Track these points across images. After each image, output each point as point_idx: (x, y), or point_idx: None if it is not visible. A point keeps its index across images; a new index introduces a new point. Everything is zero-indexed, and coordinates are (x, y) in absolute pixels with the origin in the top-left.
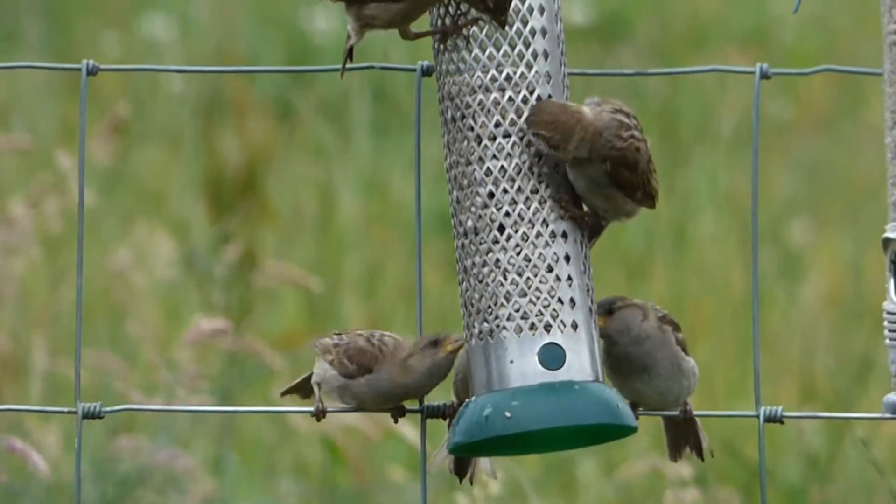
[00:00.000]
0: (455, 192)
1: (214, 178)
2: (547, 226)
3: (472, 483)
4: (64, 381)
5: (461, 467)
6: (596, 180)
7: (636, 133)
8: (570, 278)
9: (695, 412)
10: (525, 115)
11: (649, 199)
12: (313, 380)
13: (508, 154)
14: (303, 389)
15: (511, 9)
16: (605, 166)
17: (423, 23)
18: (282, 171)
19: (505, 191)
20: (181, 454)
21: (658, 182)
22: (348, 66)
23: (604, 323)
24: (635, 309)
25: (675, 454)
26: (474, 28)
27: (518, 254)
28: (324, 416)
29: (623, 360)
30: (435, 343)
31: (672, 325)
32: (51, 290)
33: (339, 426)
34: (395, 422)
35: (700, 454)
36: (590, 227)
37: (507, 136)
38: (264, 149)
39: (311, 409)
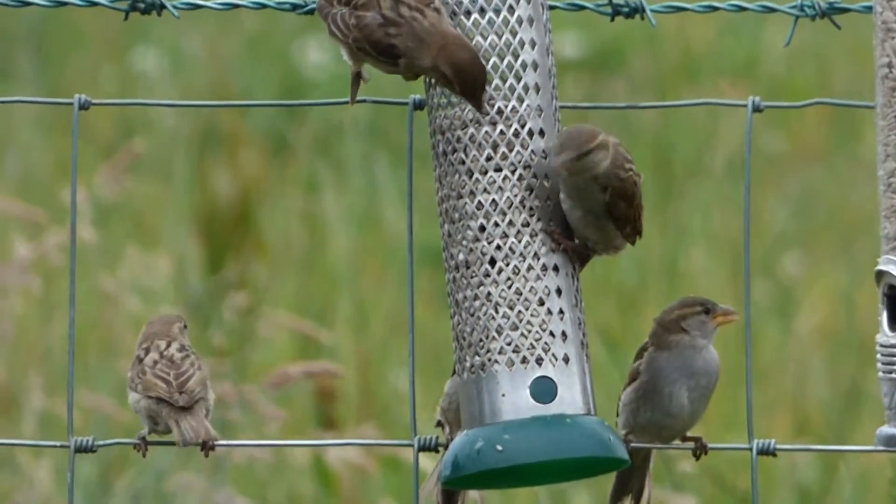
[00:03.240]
0: (446, 226)
1: (208, 213)
2: (538, 259)
3: None
4: (57, 420)
5: (449, 498)
6: (593, 210)
7: (633, 167)
8: (561, 311)
9: (684, 446)
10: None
11: (635, 234)
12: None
13: (500, 187)
14: None
15: (488, 92)
16: (604, 196)
17: None
18: (275, 205)
19: (496, 224)
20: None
21: (643, 219)
22: (339, 100)
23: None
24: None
25: (615, 501)
26: None
27: (509, 287)
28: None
29: (687, 352)
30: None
31: None
32: (45, 325)
33: (334, 458)
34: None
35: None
36: (578, 255)
37: (498, 169)
38: (257, 183)
39: (307, 442)
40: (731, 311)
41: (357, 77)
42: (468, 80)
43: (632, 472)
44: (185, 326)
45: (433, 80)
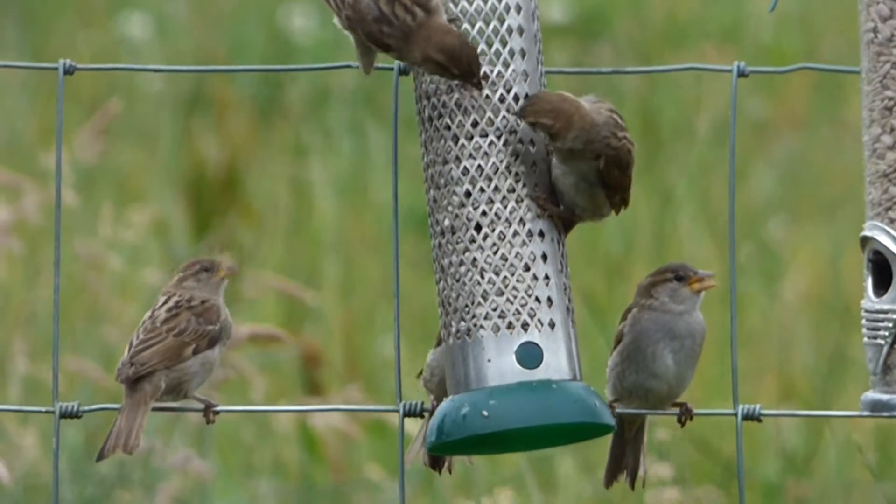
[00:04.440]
0: (432, 191)
1: (195, 177)
2: (524, 225)
3: (450, 472)
4: (43, 385)
5: (436, 460)
6: (586, 177)
7: (628, 136)
8: (547, 277)
9: (670, 412)
10: (519, 106)
11: (622, 203)
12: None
13: (485, 153)
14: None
15: (480, 75)
16: (598, 163)
17: None
18: (262, 170)
19: (482, 190)
20: (161, 453)
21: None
22: (326, 65)
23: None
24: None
25: (610, 479)
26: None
27: (495, 253)
28: (215, 415)
29: (666, 316)
30: (208, 269)
31: None
32: (30, 290)
33: (320, 425)
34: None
35: (632, 482)
36: (563, 221)
37: (484, 135)
38: (245, 147)
39: (292, 408)
40: (708, 276)
41: (368, 47)
42: (462, 62)
43: (625, 448)
44: (205, 270)
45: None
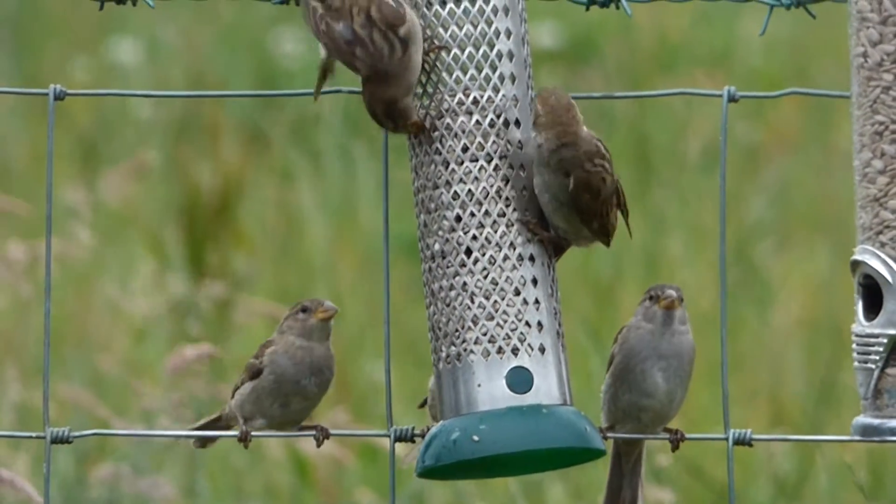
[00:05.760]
0: (422, 216)
1: (188, 203)
2: (514, 249)
3: None
4: (35, 412)
5: None
6: (558, 196)
7: (607, 165)
8: (537, 301)
9: (662, 436)
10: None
11: (604, 233)
12: (231, 410)
13: (476, 178)
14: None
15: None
16: (568, 181)
17: None
18: (254, 196)
19: (472, 214)
20: (152, 479)
21: (617, 220)
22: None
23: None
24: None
25: None
26: (441, 52)
27: (485, 277)
28: (250, 441)
29: (648, 335)
30: (305, 310)
31: None
32: (22, 316)
33: (310, 450)
34: (319, 445)
35: None
36: (553, 245)
37: (474, 159)
38: (237, 173)
39: (282, 433)
40: (669, 294)
41: (324, 73)
42: (375, 120)
43: (622, 480)
44: (303, 310)
45: None
